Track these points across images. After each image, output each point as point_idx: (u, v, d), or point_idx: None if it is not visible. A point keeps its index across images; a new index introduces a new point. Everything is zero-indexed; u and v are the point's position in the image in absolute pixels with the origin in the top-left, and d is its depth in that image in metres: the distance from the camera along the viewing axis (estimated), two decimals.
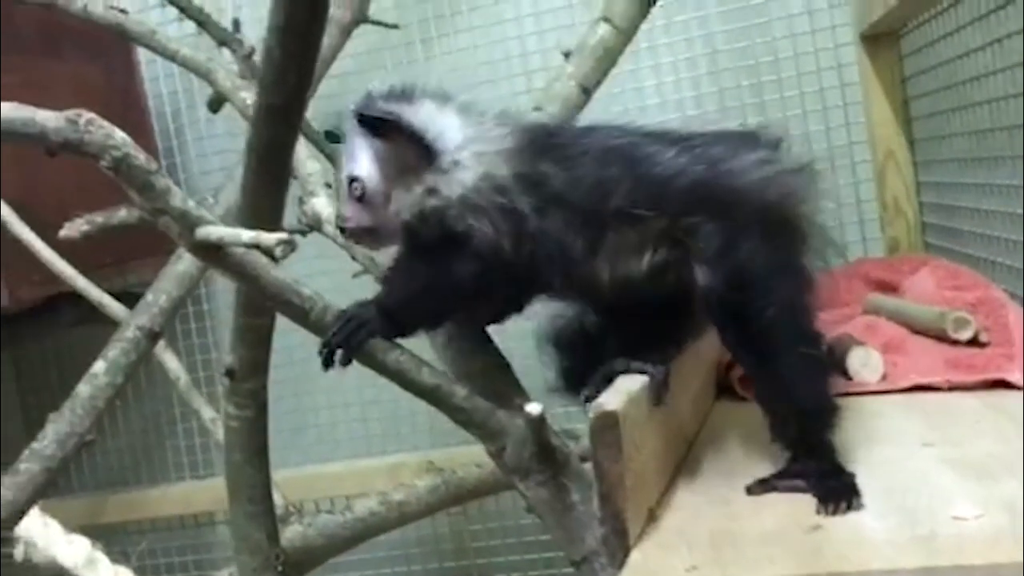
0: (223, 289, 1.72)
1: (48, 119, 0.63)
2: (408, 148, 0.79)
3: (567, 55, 1.05)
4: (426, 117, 0.79)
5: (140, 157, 0.65)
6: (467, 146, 0.79)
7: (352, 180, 0.80)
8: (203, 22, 1.56)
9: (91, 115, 0.64)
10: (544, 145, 0.81)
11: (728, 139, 0.85)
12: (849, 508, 0.72)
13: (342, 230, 0.83)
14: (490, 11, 1.68)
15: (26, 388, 1.92)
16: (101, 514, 1.82)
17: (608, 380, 0.78)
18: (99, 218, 0.91)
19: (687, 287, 0.79)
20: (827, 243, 0.85)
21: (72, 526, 1.28)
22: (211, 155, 1.77)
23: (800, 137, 1.57)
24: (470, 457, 1.44)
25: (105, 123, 0.64)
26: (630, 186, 0.79)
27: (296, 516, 1.09)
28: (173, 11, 1.61)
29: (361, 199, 0.80)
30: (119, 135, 0.64)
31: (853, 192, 1.58)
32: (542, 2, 1.67)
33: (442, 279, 0.78)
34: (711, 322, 0.81)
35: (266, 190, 0.73)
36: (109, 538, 1.73)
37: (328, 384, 1.75)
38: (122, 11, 1.37)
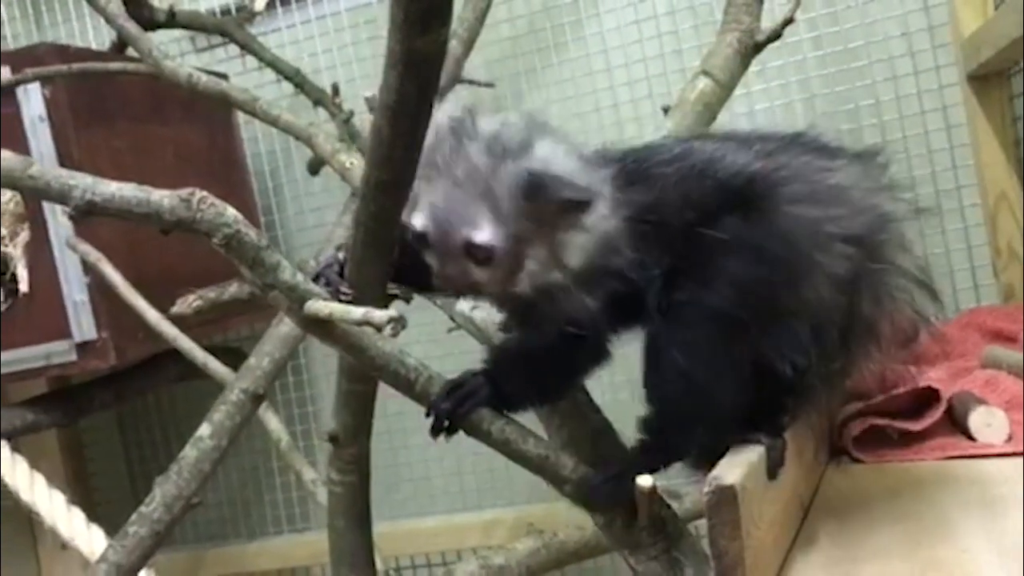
0: (320, 344, 1.74)
1: (162, 199, 0.64)
2: (555, 206, 0.70)
3: (666, 110, 1.03)
4: (569, 166, 0.72)
5: (251, 233, 0.65)
6: (599, 198, 0.72)
7: (471, 245, 0.71)
8: (300, 84, 1.60)
9: (203, 193, 0.65)
10: (633, 173, 0.76)
11: (815, 144, 0.80)
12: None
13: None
14: (580, 63, 1.68)
15: (130, 442, 1.97)
16: (201, 568, 1.84)
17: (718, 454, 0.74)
18: (211, 294, 0.92)
19: None
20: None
21: None
22: (308, 212, 1.80)
23: (904, 181, 1.51)
24: (569, 514, 1.42)
25: (217, 200, 0.65)
26: (699, 200, 0.74)
27: None
28: (271, 73, 1.66)
29: (480, 263, 0.72)
30: (230, 212, 0.65)
31: (963, 237, 1.52)
32: (633, 53, 1.66)
33: (557, 359, 0.75)
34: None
35: (373, 261, 0.72)
36: None
37: (422, 437, 1.73)
38: (223, 76, 1.41)
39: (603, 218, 0.72)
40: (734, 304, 0.71)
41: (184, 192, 0.64)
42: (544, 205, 0.70)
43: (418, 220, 0.72)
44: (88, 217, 0.65)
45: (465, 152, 0.71)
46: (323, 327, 0.68)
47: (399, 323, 0.57)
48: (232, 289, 0.89)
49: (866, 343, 0.79)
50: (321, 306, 0.64)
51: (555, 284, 0.72)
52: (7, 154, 0.65)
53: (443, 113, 0.70)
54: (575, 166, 0.73)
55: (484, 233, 0.70)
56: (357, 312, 0.59)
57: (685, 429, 0.74)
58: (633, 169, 0.76)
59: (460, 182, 0.71)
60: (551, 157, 0.72)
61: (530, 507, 1.67)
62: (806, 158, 0.78)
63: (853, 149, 0.82)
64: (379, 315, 0.57)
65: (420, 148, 0.63)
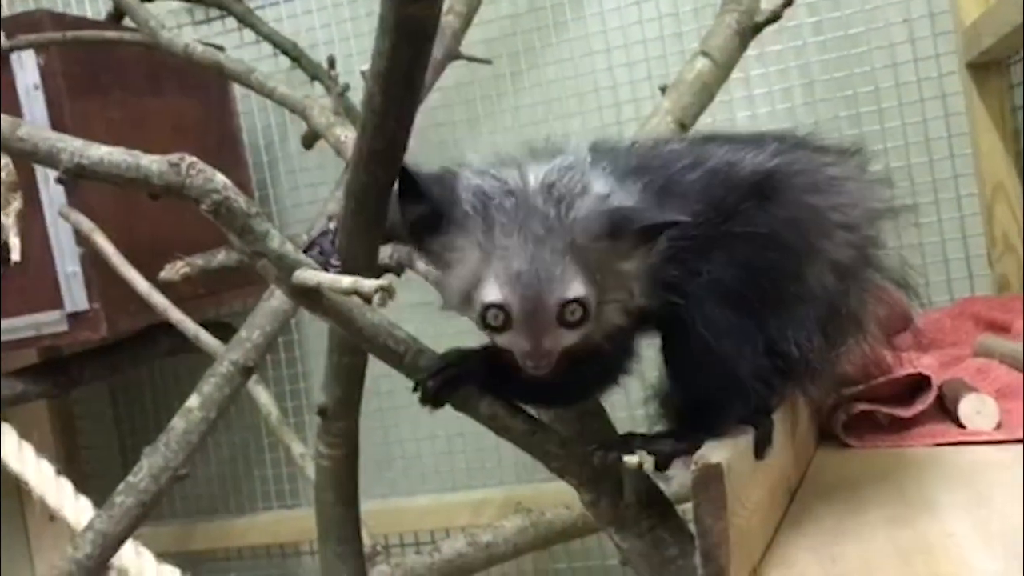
0: (311, 319, 1.74)
1: (151, 164, 0.64)
2: (631, 240, 0.66)
3: (664, 90, 1.02)
4: (624, 193, 0.68)
5: (240, 200, 0.65)
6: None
7: (566, 303, 0.64)
8: (297, 58, 1.59)
9: (192, 159, 0.64)
10: (663, 189, 0.73)
11: (811, 143, 0.82)
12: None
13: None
14: (579, 43, 1.67)
15: (122, 415, 1.96)
16: (190, 542, 1.85)
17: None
18: (199, 261, 0.91)
19: None
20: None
21: (162, 553, 1.30)
22: (303, 188, 1.80)
23: (902, 169, 1.52)
24: (557, 494, 1.42)
25: (206, 167, 0.64)
26: (718, 199, 0.74)
27: (383, 556, 1.08)
28: (268, 47, 1.65)
29: (574, 326, 0.65)
30: (220, 179, 0.64)
31: (959, 227, 1.51)
32: (632, 33, 1.65)
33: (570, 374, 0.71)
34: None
35: (363, 233, 0.72)
36: (197, 566, 1.76)
37: (414, 417, 1.75)
38: (219, 48, 1.40)
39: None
40: (745, 285, 0.72)
41: (173, 157, 0.64)
42: (622, 241, 0.66)
43: (494, 293, 0.64)
44: (77, 181, 0.65)
45: (529, 208, 0.64)
46: (312, 297, 0.68)
47: (388, 292, 0.56)
48: (220, 257, 0.88)
49: (851, 334, 0.81)
50: (310, 275, 0.63)
51: (623, 322, 0.69)
52: None
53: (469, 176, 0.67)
54: (628, 191, 0.69)
55: (577, 288, 0.64)
56: (345, 281, 0.59)
57: (720, 405, 0.74)
58: (662, 185, 0.73)
59: (538, 240, 0.64)
60: (610, 190, 0.68)
61: (519, 487, 1.67)
62: (808, 153, 0.80)
63: (840, 146, 0.84)
64: (367, 284, 0.57)
65: (413, 117, 0.63)
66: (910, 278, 0.85)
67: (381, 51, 0.58)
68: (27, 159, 0.66)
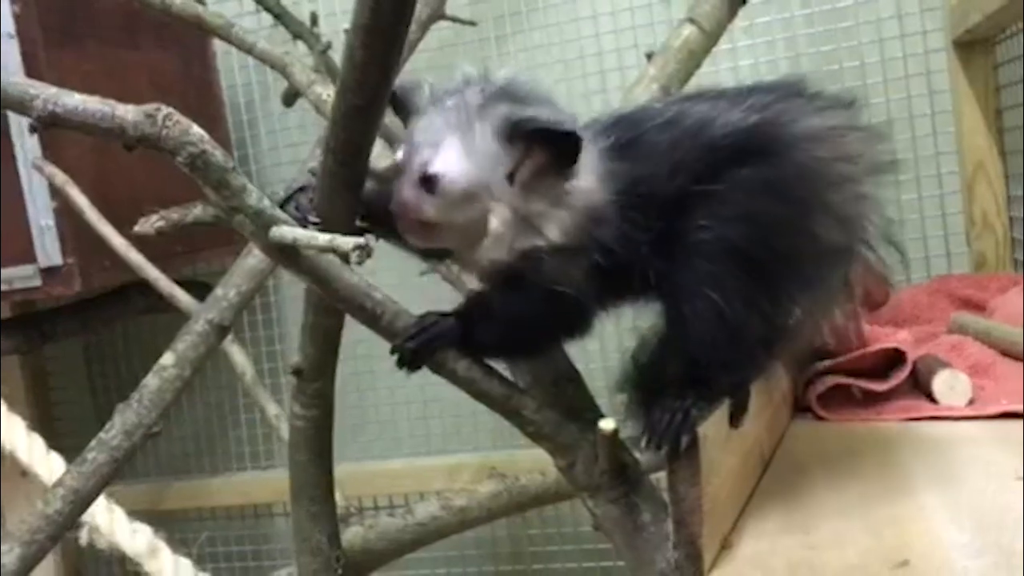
0: (289, 281, 1.73)
1: (127, 114, 0.63)
2: (541, 159, 0.70)
3: (650, 56, 1.01)
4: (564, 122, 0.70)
5: (217, 154, 0.64)
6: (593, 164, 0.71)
7: (426, 170, 0.70)
8: (280, 15, 1.57)
9: (169, 110, 0.63)
10: (626, 145, 0.75)
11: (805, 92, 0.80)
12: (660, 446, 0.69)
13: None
14: (566, 8, 1.66)
15: (96, 373, 1.95)
16: (163, 501, 1.84)
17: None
18: (174, 215, 0.90)
19: None
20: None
21: (134, 512, 1.29)
22: (283, 148, 1.78)
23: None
24: (532, 461, 1.42)
25: (183, 119, 0.63)
26: (691, 163, 0.73)
27: (356, 517, 1.08)
28: (250, 3, 1.63)
29: (433, 191, 0.70)
30: (196, 131, 0.63)
31: (938, 204, 1.52)
32: (620, 1, 1.63)
33: (536, 320, 0.73)
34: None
35: (342, 191, 0.71)
36: (169, 525, 1.75)
37: (390, 381, 1.74)
38: (200, 2, 1.37)
39: (587, 192, 0.71)
40: (751, 241, 0.71)
41: (150, 107, 0.62)
42: (516, 148, 0.69)
43: (399, 152, 0.71)
44: (50, 129, 0.63)
45: (463, 92, 0.71)
46: (289, 255, 0.67)
47: (364, 251, 0.56)
48: (196, 211, 0.87)
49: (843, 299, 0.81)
50: (286, 231, 0.62)
51: (533, 251, 0.71)
52: None
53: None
54: (597, 143, 0.72)
55: (440, 163, 0.69)
56: (322, 238, 0.58)
57: (730, 363, 0.74)
58: (626, 141, 0.74)
59: (445, 114, 0.71)
60: (546, 113, 0.70)
61: (494, 453, 1.67)
62: (803, 101, 0.78)
63: (834, 95, 0.82)
64: (344, 241, 0.56)
65: (394, 72, 0.62)
66: (897, 242, 0.83)
67: (364, 2, 0.57)
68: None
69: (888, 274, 0.84)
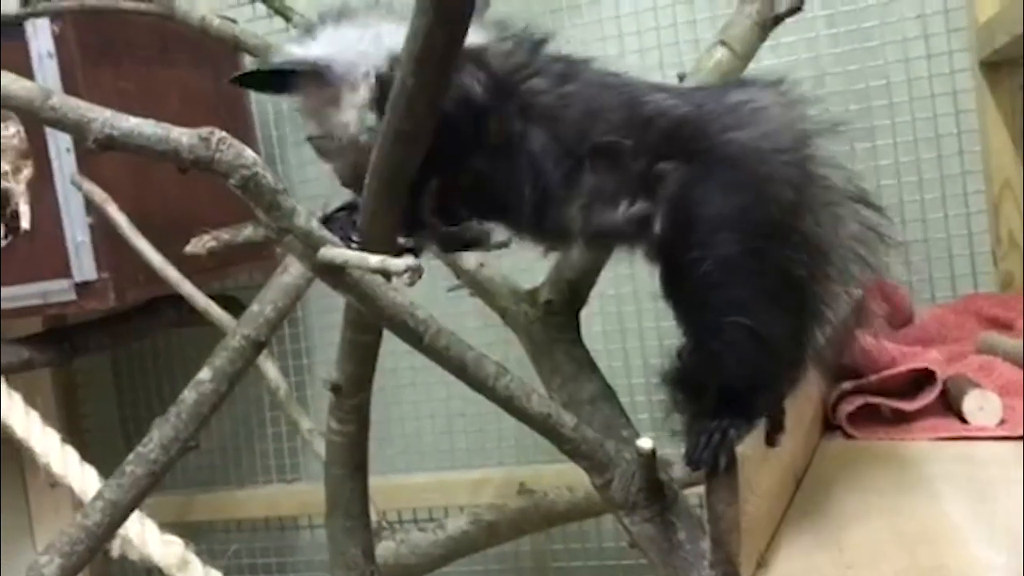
0: (317, 296, 1.74)
1: (181, 137, 0.64)
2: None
3: (682, 78, 1.03)
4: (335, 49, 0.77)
5: (268, 176, 0.65)
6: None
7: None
8: None
9: (222, 133, 0.65)
10: (536, 54, 0.78)
11: (728, 85, 0.82)
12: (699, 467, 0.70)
13: None
14: (593, 28, 1.67)
15: (124, 385, 1.97)
16: (189, 512, 1.86)
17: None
18: (225, 235, 0.92)
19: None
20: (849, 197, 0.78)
21: (162, 523, 1.31)
22: (309, 164, 1.79)
23: (910, 164, 1.52)
24: (557, 476, 1.43)
25: (236, 142, 0.65)
26: (615, 122, 0.75)
27: (388, 531, 1.09)
28: (280, 21, 1.64)
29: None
30: (249, 154, 0.65)
31: (965, 224, 1.52)
32: (645, 20, 1.65)
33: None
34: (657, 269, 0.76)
35: (385, 212, 0.73)
36: (196, 536, 1.76)
37: (415, 395, 1.75)
38: (232, 21, 1.39)
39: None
40: (742, 240, 0.72)
41: (204, 131, 0.64)
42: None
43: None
44: (106, 151, 0.65)
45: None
46: (336, 274, 0.68)
47: (416, 271, 0.57)
48: (247, 232, 0.89)
49: (822, 267, 0.78)
50: (336, 253, 0.64)
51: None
52: (28, 84, 0.64)
53: None
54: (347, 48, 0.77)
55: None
56: (373, 260, 0.59)
57: (766, 381, 0.75)
58: (561, 69, 0.78)
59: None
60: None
61: (519, 468, 1.68)
62: (724, 94, 0.80)
63: (759, 80, 0.83)
64: (396, 263, 0.57)
65: (442, 100, 0.63)
66: (865, 194, 0.81)
67: (416, 32, 0.58)
68: (57, 128, 0.66)
69: (912, 298, 0.83)
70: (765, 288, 0.72)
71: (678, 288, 0.74)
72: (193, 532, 1.74)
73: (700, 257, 0.72)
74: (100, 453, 1.56)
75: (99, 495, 1.00)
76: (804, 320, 0.77)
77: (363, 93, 0.76)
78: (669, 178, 0.75)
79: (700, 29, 1.60)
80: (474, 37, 0.71)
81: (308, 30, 0.82)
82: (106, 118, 0.65)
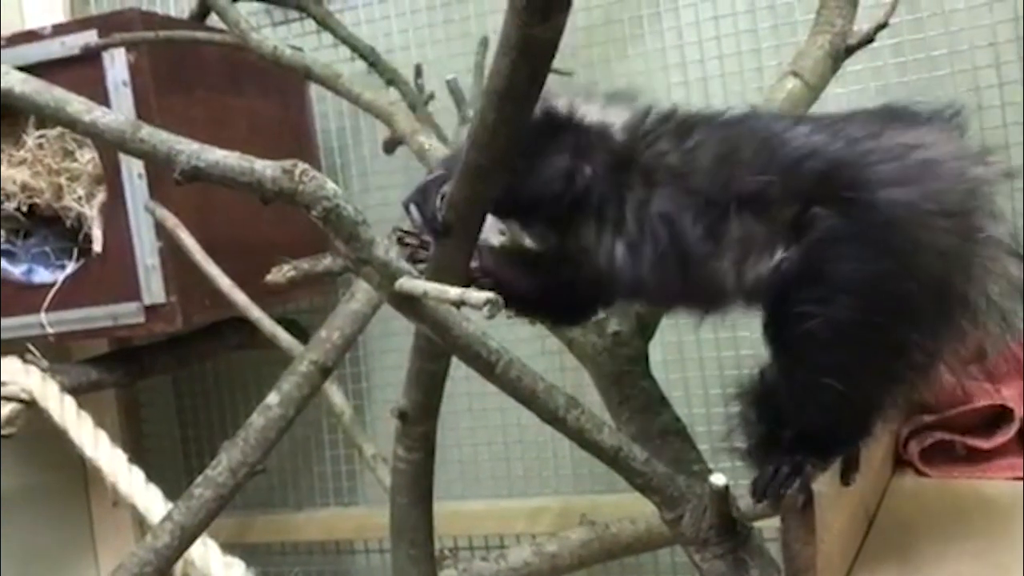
0: (376, 320, 1.75)
1: (265, 169, 0.65)
2: None
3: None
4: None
5: (349, 208, 0.66)
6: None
7: None
8: (374, 63, 1.61)
9: (305, 165, 0.66)
10: (660, 121, 0.76)
11: (874, 116, 0.76)
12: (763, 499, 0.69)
13: None
14: (655, 56, 1.66)
15: (185, 407, 2.00)
16: (247, 534, 1.87)
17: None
18: (305, 264, 0.93)
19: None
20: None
21: (220, 543, 1.32)
22: (374, 190, 1.81)
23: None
24: (616, 506, 1.41)
25: (318, 174, 0.66)
26: (756, 164, 0.71)
27: (451, 560, 1.09)
28: (345, 50, 1.68)
29: None
30: (331, 186, 0.66)
31: None
32: (709, 49, 1.64)
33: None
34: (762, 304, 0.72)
35: (459, 244, 0.73)
36: (252, 558, 1.78)
37: (470, 421, 1.75)
38: (298, 50, 1.42)
39: None
40: (864, 311, 0.68)
41: (287, 163, 0.65)
42: None
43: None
44: (192, 182, 0.66)
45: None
46: (411, 304, 0.69)
47: (496, 304, 0.57)
48: (326, 262, 0.90)
49: (959, 319, 0.75)
50: (415, 284, 0.64)
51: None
52: (118, 116, 0.66)
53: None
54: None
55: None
56: (453, 292, 0.60)
57: (849, 430, 0.74)
58: (673, 126, 0.77)
59: None
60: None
61: (575, 497, 1.67)
62: (886, 131, 0.74)
63: (928, 111, 0.78)
64: (476, 296, 0.58)
65: (521, 135, 0.63)
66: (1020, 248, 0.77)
67: (499, 70, 0.59)
68: (145, 159, 0.68)
69: (1009, 320, 0.79)
70: (869, 361, 0.69)
71: (780, 330, 0.71)
72: (250, 553, 1.75)
73: (812, 313, 0.68)
74: (160, 472, 1.58)
75: (168, 517, 1.02)
76: (903, 380, 0.74)
77: None
78: (819, 224, 0.70)
79: (764, 57, 1.59)
80: (601, 114, 0.74)
81: None
82: (193, 150, 0.66)
